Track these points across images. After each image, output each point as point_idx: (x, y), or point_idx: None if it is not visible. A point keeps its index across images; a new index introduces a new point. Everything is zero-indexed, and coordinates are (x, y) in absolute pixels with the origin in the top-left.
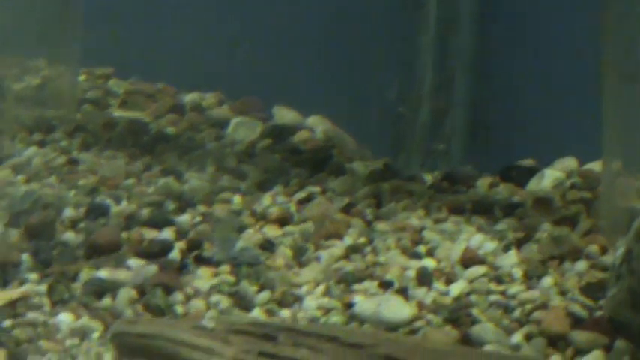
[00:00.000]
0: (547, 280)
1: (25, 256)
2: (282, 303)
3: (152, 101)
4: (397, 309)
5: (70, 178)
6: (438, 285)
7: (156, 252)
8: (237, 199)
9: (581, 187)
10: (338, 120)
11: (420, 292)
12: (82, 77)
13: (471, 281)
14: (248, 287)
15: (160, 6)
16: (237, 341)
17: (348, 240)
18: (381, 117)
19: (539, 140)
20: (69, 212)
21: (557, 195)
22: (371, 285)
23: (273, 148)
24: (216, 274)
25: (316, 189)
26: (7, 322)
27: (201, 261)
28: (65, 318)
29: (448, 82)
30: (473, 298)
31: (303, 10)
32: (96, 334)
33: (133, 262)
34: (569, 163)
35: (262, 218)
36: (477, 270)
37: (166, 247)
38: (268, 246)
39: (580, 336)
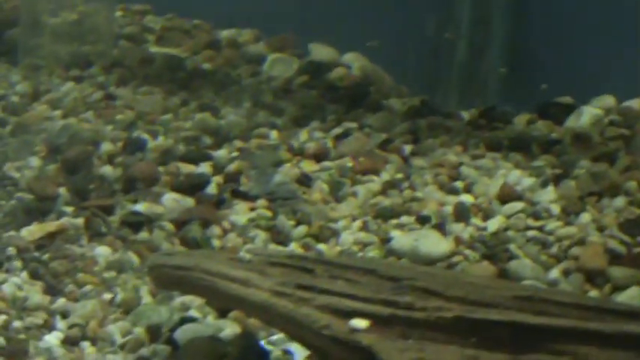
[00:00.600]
0: (585, 217)
1: (62, 190)
2: (319, 237)
3: (188, 37)
4: (434, 244)
5: (107, 113)
6: (476, 221)
7: (193, 186)
8: (273, 134)
9: (620, 124)
10: (375, 57)
11: (458, 228)
12: (118, 13)
13: (509, 217)
14: (285, 222)
15: None
16: (275, 273)
17: (385, 175)
18: (418, 54)
19: (577, 77)
20: (106, 147)
21: (595, 132)
22: (408, 220)
23: (309, 85)
24: (253, 209)
25: (353, 125)
26: (46, 255)
27: (238, 195)
28: (102, 251)
29: (486, 19)
30: (510, 233)
31: None
32: (133, 267)
33: (170, 196)
34: (608, 100)
35: (299, 153)
36: (515, 206)
37: (203, 181)
38: (305, 181)
39: (618, 272)
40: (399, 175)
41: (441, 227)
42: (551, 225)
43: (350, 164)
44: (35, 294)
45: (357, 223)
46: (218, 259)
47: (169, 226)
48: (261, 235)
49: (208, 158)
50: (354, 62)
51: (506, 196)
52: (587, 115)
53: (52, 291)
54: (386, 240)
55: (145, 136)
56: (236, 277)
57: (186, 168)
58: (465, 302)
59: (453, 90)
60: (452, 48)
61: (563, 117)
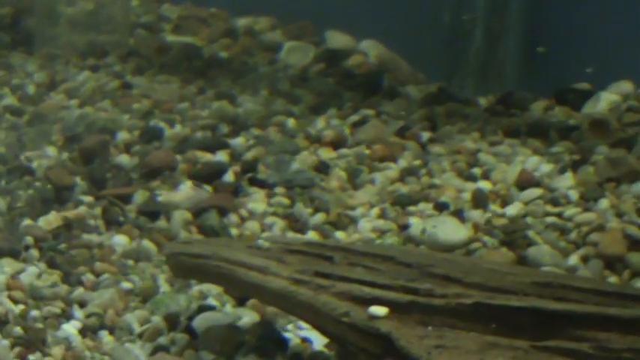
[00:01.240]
0: (604, 203)
1: (79, 180)
2: (336, 225)
3: (205, 26)
4: (453, 231)
5: (124, 101)
6: (494, 207)
7: (210, 174)
8: (291, 122)
9: (638, 109)
10: (391, 44)
11: (476, 214)
12: (135, 2)
13: (527, 203)
14: (303, 209)
15: None
16: (293, 261)
17: (403, 162)
18: (435, 40)
19: (594, 63)
20: (123, 135)
21: (613, 118)
22: (426, 207)
23: (326, 72)
24: (270, 197)
25: (370, 112)
26: (63, 245)
27: (255, 183)
28: (120, 240)
29: (503, 4)
30: (529, 220)
31: None
32: (150, 256)
33: (188, 184)
34: (625, 86)
35: (316, 141)
36: (533, 192)
37: (220, 169)
38: (323, 168)
39: (637, 258)
40: (417, 162)
41: (459, 214)
42: (570, 211)
43: (367, 151)
44: (53, 283)
45: (375, 211)
46: (236, 247)
47: (187, 215)
48: (278, 223)
49: (226, 146)
50: (371, 49)
51: (525, 182)
52: (604, 101)
53: (70, 280)
54: (404, 227)
55: (162, 124)
56: (254, 264)
57: (204, 156)
58: (485, 289)
59: (470, 76)
60: (469, 34)
61: (580, 103)
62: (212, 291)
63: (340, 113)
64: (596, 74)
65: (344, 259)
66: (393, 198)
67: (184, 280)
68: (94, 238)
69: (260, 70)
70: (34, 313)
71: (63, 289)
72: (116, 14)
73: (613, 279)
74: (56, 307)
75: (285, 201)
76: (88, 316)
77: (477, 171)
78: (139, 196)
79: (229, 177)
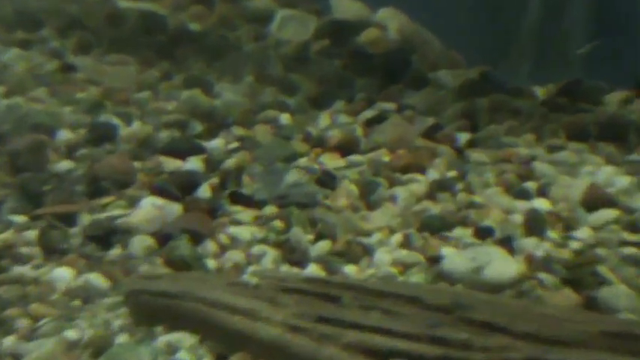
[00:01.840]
0: None
1: (9, 193)
2: (346, 256)
3: None
4: (499, 265)
5: (65, 89)
6: (554, 234)
7: (179, 188)
8: (285, 118)
9: None
10: (417, 14)
11: (530, 243)
12: None
13: (597, 229)
14: (301, 235)
15: None
16: (289, 302)
17: (433, 173)
18: (476, 10)
19: None
20: (64, 135)
21: None
22: (464, 233)
23: (331, 52)
24: (259, 218)
25: (390, 105)
26: None
27: (239, 200)
28: (62, 274)
29: None
30: (600, 251)
31: None
32: (102, 295)
33: (150, 201)
34: None
35: (319, 144)
36: (606, 214)
37: (193, 181)
38: (327, 181)
39: None
40: (452, 173)
41: (507, 243)
42: None
43: (386, 158)
44: None
45: (397, 238)
46: (215, 284)
47: (149, 241)
48: (270, 253)
49: (199, 150)
50: (391, 21)
51: (594, 200)
52: None
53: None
54: (434, 259)
55: (115, 120)
56: (239, 307)
57: (171, 163)
58: (537, 340)
59: (523, 58)
60: (522, 3)
61: None
62: (184, 341)
63: (350, 107)
64: None
65: (355, 301)
66: (421, 221)
67: (148, 327)
68: (28, 271)
69: (244, 49)
70: None
71: None
72: None
73: None
74: None
75: (279, 224)
76: None
77: (531, 185)
78: (87, 216)
79: (204, 191)
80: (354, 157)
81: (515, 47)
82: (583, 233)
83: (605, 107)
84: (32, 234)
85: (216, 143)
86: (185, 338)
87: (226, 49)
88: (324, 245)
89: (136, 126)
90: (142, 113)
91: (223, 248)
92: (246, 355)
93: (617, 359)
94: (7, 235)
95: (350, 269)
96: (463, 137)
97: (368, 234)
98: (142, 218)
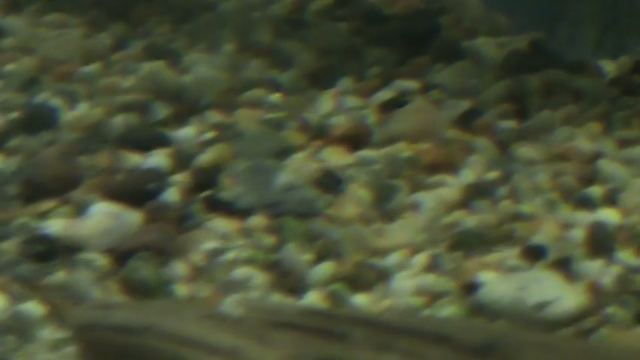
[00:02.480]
0: None
1: None
2: (355, 283)
3: None
4: (553, 296)
5: None
6: (625, 255)
7: (139, 191)
8: (275, 100)
9: None
10: None
11: (594, 267)
12: None
13: None
14: (297, 254)
15: None
16: (283, 341)
17: (469, 175)
18: None
19: None
20: None
21: None
22: (508, 254)
23: (335, 13)
24: (242, 231)
25: (412, 84)
26: None
27: (216, 208)
28: None
29: None
30: None
31: None
32: (41, 329)
33: (102, 207)
34: None
35: (319, 134)
36: None
37: (157, 182)
38: (331, 183)
39: None
40: (493, 174)
41: (564, 266)
42: None
43: (407, 154)
44: None
45: (421, 259)
46: (187, 316)
47: (102, 260)
48: (257, 277)
49: (165, 142)
50: None
51: None
52: None
53: None
54: (470, 287)
55: (55, 101)
56: (218, 346)
57: (128, 159)
58: None
59: (587, 24)
60: None
61: None
62: None
63: (360, 86)
64: None
65: (367, 340)
66: (452, 237)
67: None
68: None
69: (221, 8)
70: None
71: None
72: None
73: None
74: None
75: (268, 239)
76: None
77: (595, 191)
78: (19, 228)
79: (172, 196)
80: (366, 153)
81: (576, 9)
82: None
83: None
84: None
85: (186, 133)
86: None
87: (198, 8)
88: (326, 268)
89: (83, 109)
90: (90, 92)
91: (197, 270)
92: None
93: None
94: None
95: (360, 299)
96: (508, 127)
97: (383, 254)
98: (91, 230)
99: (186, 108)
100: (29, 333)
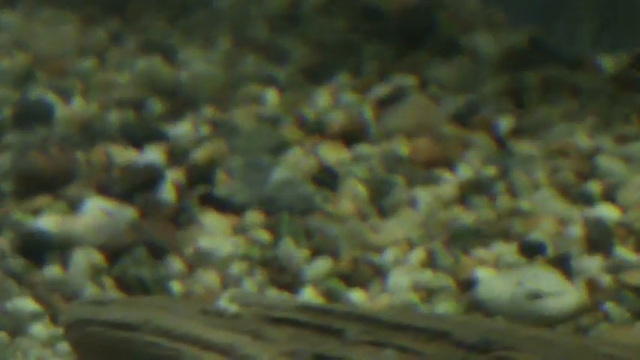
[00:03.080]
0: None
1: None
2: (351, 279)
3: None
4: (551, 292)
5: None
6: (623, 251)
7: (134, 186)
8: (271, 95)
9: None
10: None
11: (592, 264)
12: None
13: None
14: (293, 250)
15: None
16: (278, 337)
17: (466, 170)
18: None
19: None
20: None
21: None
22: (505, 249)
23: (331, 8)
24: (238, 228)
25: (409, 80)
26: None
27: (212, 204)
28: None
29: None
30: None
31: None
32: (37, 325)
33: (96, 203)
34: None
35: (315, 130)
36: None
37: (152, 178)
38: (327, 179)
39: None
40: (490, 170)
41: (562, 263)
42: None
43: (404, 150)
44: None
45: (417, 255)
46: (182, 312)
47: (96, 256)
48: (253, 274)
49: (160, 138)
50: None
51: None
52: None
53: None
54: (467, 283)
55: (50, 96)
56: (214, 342)
57: (123, 154)
58: None
59: (585, 19)
60: None
61: None
62: None
63: (357, 82)
64: None
65: (363, 336)
66: (449, 233)
67: None
68: None
69: (217, 3)
70: None
71: None
72: None
73: None
74: None
75: (264, 235)
76: None
77: (593, 187)
78: (13, 224)
79: (167, 192)
80: (362, 148)
81: (575, 4)
82: None
83: None
84: None
85: (181, 128)
86: None
87: (194, 4)
88: (322, 264)
89: (78, 104)
90: (85, 88)
91: (192, 266)
92: None
93: None
94: None
95: (357, 295)
96: (505, 123)
97: (380, 250)
98: (85, 226)
99: (182, 104)
100: (22, 329)
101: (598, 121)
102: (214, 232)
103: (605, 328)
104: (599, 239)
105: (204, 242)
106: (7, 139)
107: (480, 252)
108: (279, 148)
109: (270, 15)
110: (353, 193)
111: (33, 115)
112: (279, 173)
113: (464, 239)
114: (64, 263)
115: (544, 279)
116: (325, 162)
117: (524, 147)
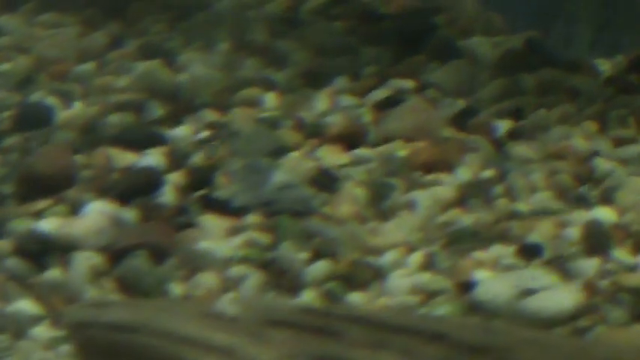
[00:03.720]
0: None
1: None
2: (351, 281)
3: None
4: (549, 294)
5: None
6: (621, 254)
7: (134, 189)
8: (270, 99)
9: None
10: None
11: (589, 266)
12: None
13: None
14: (293, 253)
15: None
16: (278, 339)
17: (464, 173)
18: None
19: None
20: None
21: None
22: (503, 252)
23: (330, 12)
24: (238, 230)
25: (407, 83)
26: None
27: (212, 206)
28: None
29: None
30: None
31: None
32: (38, 328)
33: (97, 206)
34: None
35: (314, 133)
36: None
37: (151, 181)
38: (326, 182)
39: None
40: (489, 173)
41: (560, 265)
42: None
43: (403, 153)
44: None
45: (416, 257)
46: (182, 314)
47: (96, 258)
48: (253, 276)
49: (160, 141)
50: None
51: None
52: None
53: None
54: (465, 285)
55: (50, 100)
56: (214, 344)
57: (123, 158)
58: None
59: (583, 22)
60: None
61: None
62: None
63: (356, 85)
64: None
65: (362, 337)
66: (448, 236)
67: None
68: None
69: (217, 7)
70: None
71: None
72: None
73: None
74: None
75: (263, 238)
76: None
77: (591, 189)
78: (14, 226)
79: (167, 194)
80: (361, 152)
81: (573, 7)
82: None
83: None
84: None
85: (181, 131)
86: None
87: (193, 7)
88: (322, 266)
89: (78, 108)
90: (85, 91)
91: (192, 269)
92: None
93: None
94: None
95: (356, 298)
96: (503, 126)
97: (379, 252)
98: (86, 229)
99: (182, 107)
100: (24, 331)
101: (595, 123)
102: (214, 235)
103: (603, 330)
104: (596, 241)
105: (204, 245)
106: (7, 142)
107: (479, 254)
108: (279, 151)
109: (270, 18)
110: (352, 196)
111: (33, 118)
112: (279, 176)
113: (462, 242)
114: (65, 266)
115: (542, 281)
116: (324, 165)
117: (522, 150)
